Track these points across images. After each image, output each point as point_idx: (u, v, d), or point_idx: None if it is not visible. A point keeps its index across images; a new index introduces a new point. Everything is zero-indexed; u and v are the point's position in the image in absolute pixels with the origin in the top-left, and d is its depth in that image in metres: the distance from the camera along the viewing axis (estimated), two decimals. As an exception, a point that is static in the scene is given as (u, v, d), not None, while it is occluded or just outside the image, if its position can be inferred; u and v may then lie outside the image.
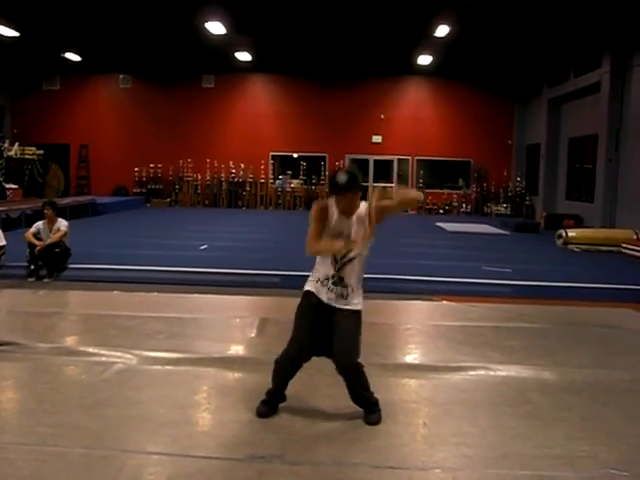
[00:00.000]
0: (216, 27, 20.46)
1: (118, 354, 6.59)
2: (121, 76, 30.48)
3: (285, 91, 29.80)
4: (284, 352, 5.27)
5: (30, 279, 11.29)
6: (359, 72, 28.12)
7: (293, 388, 5.75)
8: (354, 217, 5.15)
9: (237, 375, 6.42)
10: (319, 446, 4.76)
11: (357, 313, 5.22)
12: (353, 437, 4.94)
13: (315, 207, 5.26)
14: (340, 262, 5.17)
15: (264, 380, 6.19)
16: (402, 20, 19.48)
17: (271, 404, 5.38)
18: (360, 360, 5.18)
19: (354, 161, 29.33)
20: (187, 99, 29.76)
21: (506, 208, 28.36)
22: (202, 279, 11.16)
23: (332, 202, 5.16)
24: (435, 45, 22.38)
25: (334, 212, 5.16)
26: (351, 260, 5.18)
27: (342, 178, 5.06)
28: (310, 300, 5.24)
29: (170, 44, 23.91)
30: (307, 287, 5.30)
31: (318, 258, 5.27)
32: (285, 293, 10.33)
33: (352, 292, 5.21)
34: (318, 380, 6.19)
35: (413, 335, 8.30)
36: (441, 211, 29.04)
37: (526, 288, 11.20)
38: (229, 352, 7.34)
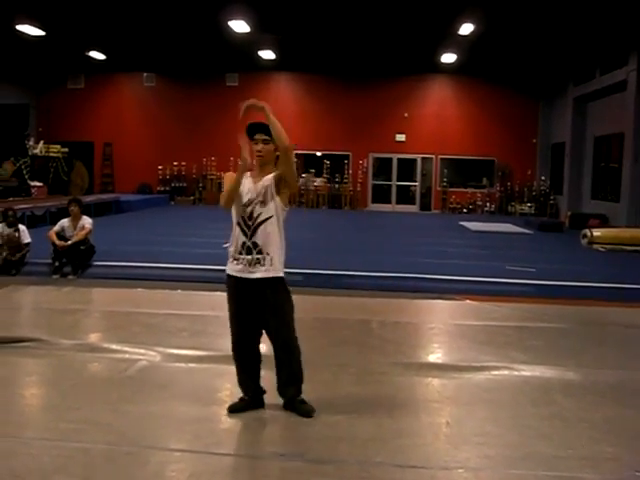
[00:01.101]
0: (240, 25, 20.49)
1: (141, 351, 6.63)
2: (145, 74, 30.63)
3: (309, 89, 29.83)
4: (232, 344, 5.34)
5: (54, 276, 11.38)
6: (383, 70, 28.08)
7: (315, 386, 5.77)
8: (262, 181, 5.14)
9: (260, 372, 6.42)
10: (341, 444, 4.76)
11: (281, 283, 5.20)
12: (376, 436, 4.93)
13: (228, 174, 5.30)
14: (252, 226, 5.10)
15: (287, 378, 6.21)
16: (426, 18, 19.42)
17: (249, 399, 5.39)
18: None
19: (379, 160, 29.34)
20: (211, 97, 29.83)
21: (530, 207, 28.21)
22: (225, 277, 11.16)
23: (245, 174, 5.17)
24: (459, 43, 22.30)
25: (246, 181, 5.17)
26: (264, 222, 5.11)
27: (253, 124, 5.16)
28: (230, 284, 5.23)
29: (194, 43, 23.99)
30: (227, 271, 5.26)
31: (233, 231, 5.19)
32: (308, 291, 10.35)
33: (271, 260, 5.15)
34: (340, 378, 6.21)
35: (436, 334, 8.30)
36: (465, 210, 28.93)
37: (550, 288, 11.13)
38: (252, 350, 7.35)
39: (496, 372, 6.55)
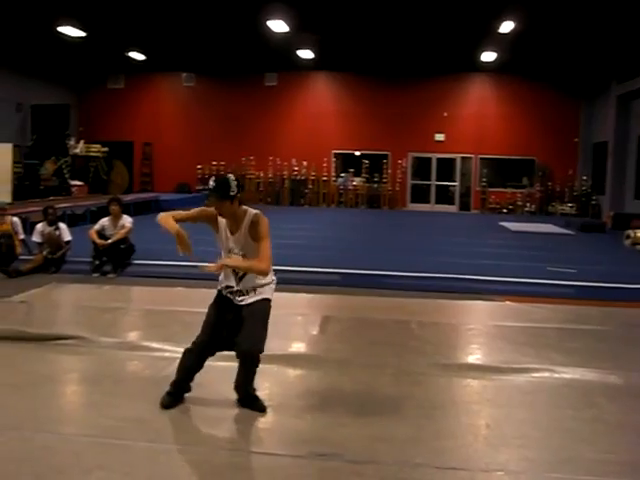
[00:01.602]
0: (279, 25, 20.53)
1: (181, 350, 6.66)
2: (184, 74, 30.84)
3: (347, 89, 29.80)
4: (193, 344, 5.34)
5: (95, 274, 11.47)
6: (422, 69, 27.97)
7: (353, 386, 5.77)
8: (241, 232, 5.19)
9: (299, 372, 6.45)
10: (380, 445, 4.75)
11: (265, 301, 5.29)
12: (415, 437, 4.91)
13: (207, 208, 5.31)
14: (239, 274, 5.22)
15: (326, 377, 6.24)
16: (466, 17, 19.31)
17: (176, 395, 5.42)
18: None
19: (418, 159, 29.26)
20: (250, 97, 29.96)
21: (571, 207, 27.90)
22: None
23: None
24: (499, 41, 22.12)
25: (224, 226, 5.25)
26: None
27: (211, 183, 5.13)
28: (219, 297, 5.35)
29: (233, 42, 24.10)
30: (218, 286, 5.39)
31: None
32: (346, 291, 10.37)
33: (260, 292, 5.26)
34: (379, 379, 6.20)
35: (475, 335, 8.24)
36: (504, 210, 28.69)
37: (591, 289, 10.99)
38: (291, 349, 7.37)
39: (536, 374, 6.47)
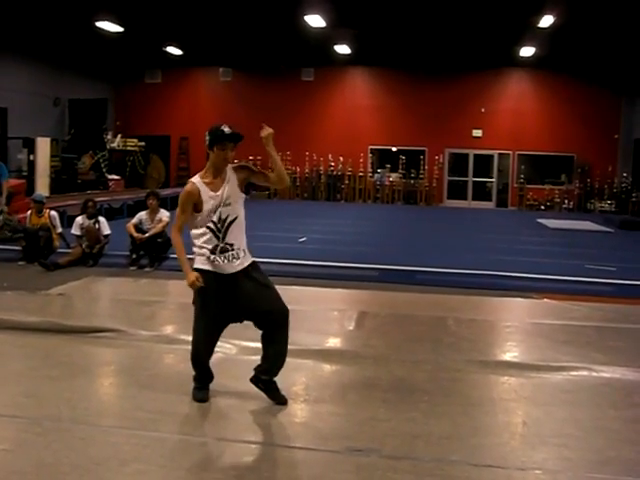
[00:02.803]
0: (316, 20, 20.50)
1: (218, 344, 6.66)
2: (221, 69, 30.91)
3: (384, 84, 29.68)
4: (198, 335, 5.36)
5: (132, 268, 11.56)
6: (460, 65, 27.76)
7: (390, 382, 5.74)
8: (228, 182, 5.33)
9: (335, 367, 6.44)
10: (417, 442, 4.72)
11: (257, 265, 5.38)
12: (451, 434, 4.87)
13: (184, 192, 5.30)
14: (222, 229, 5.23)
15: (363, 373, 6.23)
16: (505, 10, 19.11)
17: (204, 388, 5.43)
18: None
19: (455, 155, 29.17)
20: (286, 92, 29.95)
21: (610, 205, 27.54)
22: (301, 271, 11.20)
23: (200, 184, 5.27)
24: (538, 36, 21.84)
25: (205, 192, 5.25)
26: (232, 222, 5.26)
27: (228, 129, 5.41)
28: (208, 278, 5.21)
29: (270, 37, 24.11)
30: (199, 266, 5.27)
31: (195, 233, 5.29)
32: (384, 287, 10.34)
33: (244, 251, 5.32)
34: (415, 375, 6.17)
35: (513, 333, 8.17)
36: (542, 207, 28.39)
37: (631, 288, 10.84)
38: (327, 344, 7.36)
39: (575, 373, 6.39)
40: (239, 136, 5.40)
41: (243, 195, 5.41)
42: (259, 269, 5.36)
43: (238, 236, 5.28)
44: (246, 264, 5.27)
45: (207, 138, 5.33)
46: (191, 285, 5.16)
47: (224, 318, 5.31)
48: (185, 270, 5.19)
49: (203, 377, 5.43)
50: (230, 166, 5.41)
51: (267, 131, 5.58)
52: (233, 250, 5.22)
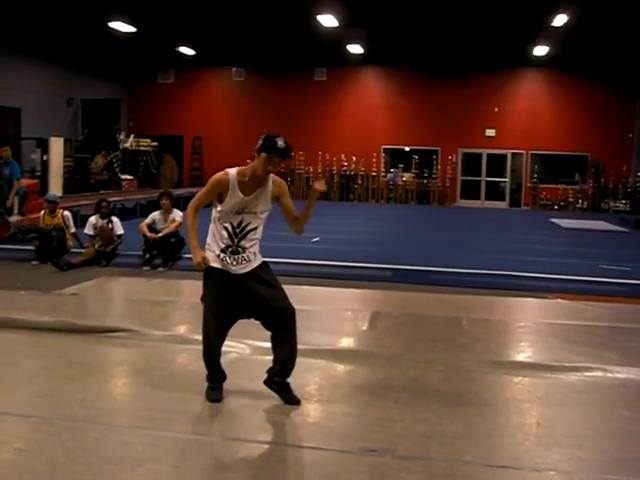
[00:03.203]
0: (328, 20, 20.50)
1: (231, 344, 6.64)
2: (234, 69, 30.92)
3: (397, 84, 29.62)
4: (207, 330, 5.35)
5: (145, 268, 11.58)
6: (473, 64, 27.67)
7: (403, 382, 5.73)
8: (263, 191, 5.27)
9: (348, 367, 6.43)
10: (430, 442, 4.71)
11: (266, 264, 5.38)
12: (465, 434, 4.86)
13: (214, 178, 5.32)
14: (240, 234, 5.25)
15: (376, 373, 6.22)
16: (518, 9, 19.04)
17: (217, 387, 5.43)
18: None
19: (469, 155, 29.10)
20: (299, 92, 29.94)
21: (625, 204, 27.37)
22: (314, 271, 11.19)
23: (234, 179, 5.23)
24: (552, 35, 21.76)
25: (235, 188, 5.22)
26: (252, 230, 5.27)
27: (282, 143, 5.19)
28: (216, 275, 5.26)
29: (283, 37, 24.13)
30: (210, 264, 5.30)
31: (212, 227, 5.36)
32: (397, 287, 10.32)
33: (254, 254, 5.32)
34: (429, 375, 6.16)
35: (527, 333, 8.15)
36: (556, 207, 28.25)
37: (646, 288, 10.78)
38: (340, 344, 7.36)
39: (589, 373, 6.36)
40: (288, 154, 5.27)
41: (270, 208, 5.36)
42: (268, 269, 5.36)
43: (252, 241, 5.29)
44: (255, 265, 5.28)
45: (259, 142, 5.26)
46: (197, 265, 5.21)
47: (232, 313, 5.32)
48: (193, 248, 5.28)
49: (215, 375, 5.43)
50: (273, 177, 5.35)
51: (322, 187, 5.39)
52: (244, 253, 5.24)
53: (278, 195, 5.33)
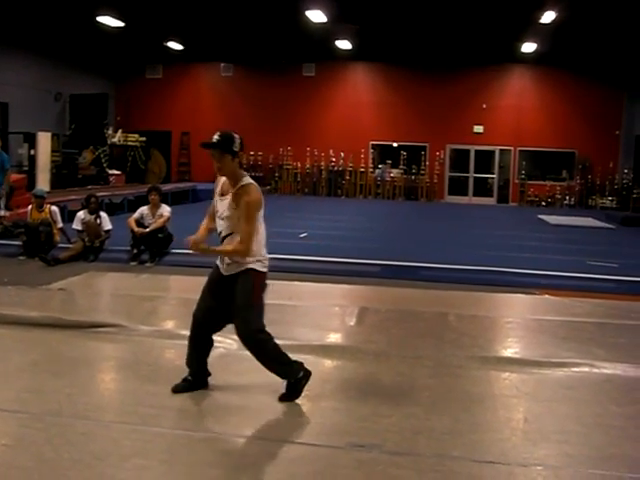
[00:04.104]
0: (317, 15, 20.47)
1: (219, 339, 6.60)
2: (222, 64, 30.85)
3: (386, 80, 29.63)
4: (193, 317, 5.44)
5: (132, 263, 11.55)
6: (461, 61, 27.71)
7: (391, 378, 5.72)
8: (229, 198, 5.15)
9: (336, 363, 6.43)
10: (419, 437, 4.72)
11: (248, 274, 5.20)
12: (453, 430, 4.87)
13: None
14: (220, 239, 5.28)
15: (364, 369, 6.22)
16: (506, 6, 19.07)
17: (190, 381, 5.43)
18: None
19: (457, 151, 29.10)
20: (288, 87, 29.89)
21: (612, 201, 27.48)
22: (302, 267, 11.17)
23: (224, 179, 5.21)
24: (540, 32, 21.80)
25: (218, 188, 5.27)
26: (227, 236, 5.22)
27: (216, 136, 5.09)
28: (213, 270, 5.39)
29: (271, 33, 24.09)
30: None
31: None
32: (385, 283, 10.33)
33: (237, 262, 5.21)
34: (417, 371, 6.17)
35: (514, 329, 8.16)
36: (543, 203, 28.36)
37: (632, 284, 10.79)
38: (328, 340, 7.35)
39: (577, 369, 6.38)
40: (206, 143, 5.16)
41: (229, 215, 5.17)
42: (248, 280, 5.20)
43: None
44: (237, 271, 5.22)
45: (237, 142, 5.11)
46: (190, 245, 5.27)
47: (215, 308, 5.32)
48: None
49: (191, 365, 5.44)
50: (245, 186, 5.14)
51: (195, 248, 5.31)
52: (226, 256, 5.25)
53: (236, 203, 5.11)
